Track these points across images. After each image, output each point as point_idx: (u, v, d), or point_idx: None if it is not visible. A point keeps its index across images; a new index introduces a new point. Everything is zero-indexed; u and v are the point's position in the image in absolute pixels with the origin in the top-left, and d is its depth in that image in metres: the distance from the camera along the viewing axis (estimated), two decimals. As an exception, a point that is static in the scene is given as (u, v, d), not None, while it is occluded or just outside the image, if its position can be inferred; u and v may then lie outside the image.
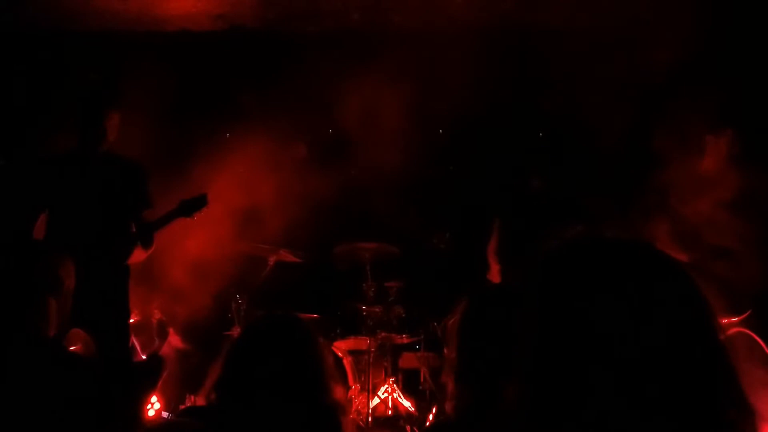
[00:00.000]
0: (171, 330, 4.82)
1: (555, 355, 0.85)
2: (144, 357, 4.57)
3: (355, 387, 4.91)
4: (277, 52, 5.25)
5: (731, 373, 0.84)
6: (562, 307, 0.86)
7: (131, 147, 3.73)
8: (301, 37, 5.28)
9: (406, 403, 4.95)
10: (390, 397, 4.97)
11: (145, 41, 5.25)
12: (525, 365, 0.87)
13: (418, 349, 5.20)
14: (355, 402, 4.82)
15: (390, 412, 4.95)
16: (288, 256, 4.90)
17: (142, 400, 3.71)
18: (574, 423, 0.82)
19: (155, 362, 4.18)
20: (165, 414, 4.21)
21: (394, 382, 5.02)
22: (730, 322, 3.59)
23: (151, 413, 4.16)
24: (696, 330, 0.84)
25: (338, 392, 1.94)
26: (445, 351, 1.77)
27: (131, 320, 3.83)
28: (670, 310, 0.84)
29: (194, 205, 3.44)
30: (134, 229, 3.38)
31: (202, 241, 4.44)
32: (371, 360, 4.88)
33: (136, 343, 4.80)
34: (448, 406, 1.74)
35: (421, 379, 5.15)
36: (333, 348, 4.85)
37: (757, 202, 3.64)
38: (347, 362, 4.97)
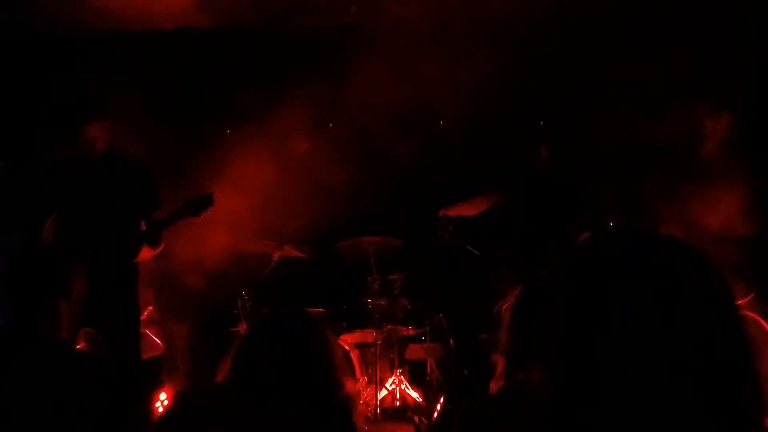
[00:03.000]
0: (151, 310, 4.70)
1: (581, 344, 0.86)
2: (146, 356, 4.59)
3: (362, 379, 4.93)
4: (276, 48, 5.24)
5: (753, 363, 0.85)
6: (590, 298, 0.87)
7: (130, 146, 3.73)
8: (298, 32, 5.27)
9: (414, 394, 4.98)
10: (397, 388, 5.00)
11: (142, 39, 5.24)
12: (551, 352, 0.89)
13: (424, 341, 5.22)
14: (363, 394, 4.85)
15: (398, 403, 4.98)
16: (292, 252, 4.92)
17: (150, 398, 3.72)
18: (598, 408, 0.83)
19: (156, 361, 4.21)
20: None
21: (401, 374, 5.05)
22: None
23: (161, 410, 4.18)
24: (723, 320, 0.86)
25: (349, 386, 1.95)
26: (498, 333, 1.84)
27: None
28: (698, 301, 0.85)
29: (200, 204, 3.44)
30: (143, 229, 3.38)
31: (206, 239, 4.44)
32: (378, 352, 4.91)
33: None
34: (494, 386, 1.80)
35: (428, 370, 5.18)
36: (340, 341, 4.87)
37: (757, 186, 3.65)
38: (354, 355, 4.99)
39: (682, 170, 3.89)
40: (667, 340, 0.83)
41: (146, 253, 3.38)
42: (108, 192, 3.31)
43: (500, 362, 1.82)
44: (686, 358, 0.82)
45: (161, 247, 3.42)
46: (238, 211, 4.55)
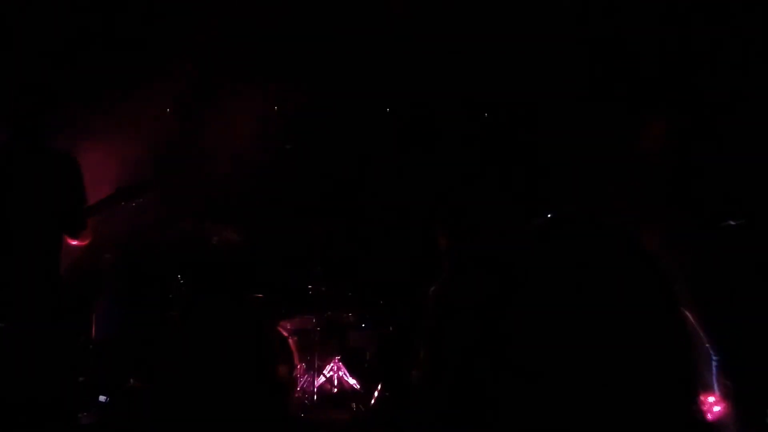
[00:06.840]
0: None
1: (530, 326, 0.85)
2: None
3: (300, 366, 4.89)
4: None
5: (689, 347, 0.87)
6: (540, 282, 0.87)
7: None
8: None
9: (352, 381, 4.97)
10: (335, 375, 4.98)
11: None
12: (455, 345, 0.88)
13: (365, 328, 5.22)
14: (301, 381, 4.80)
15: (335, 390, 4.96)
16: (231, 235, 4.80)
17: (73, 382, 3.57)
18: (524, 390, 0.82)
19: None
20: (102, 398, 4.09)
21: (339, 361, 5.03)
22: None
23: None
24: (661, 303, 0.88)
25: (281, 371, 1.91)
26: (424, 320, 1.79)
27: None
28: (638, 287, 0.87)
29: (134, 191, 3.27)
30: (67, 219, 3.19)
31: (141, 219, 4.29)
32: (317, 339, 4.87)
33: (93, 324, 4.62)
34: (416, 374, 1.76)
35: (367, 357, 5.17)
36: (279, 327, 4.81)
37: (695, 185, 3.75)
38: (293, 341, 4.93)
39: (624, 165, 3.96)
40: (609, 320, 0.83)
41: (73, 243, 3.22)
42: (30, 183, 3.09)
43: (424, 349, 1.78)
44: (629, 337, 0.83)
45: (88, 236, 3.25)
46: (176, 192, 4.42)
